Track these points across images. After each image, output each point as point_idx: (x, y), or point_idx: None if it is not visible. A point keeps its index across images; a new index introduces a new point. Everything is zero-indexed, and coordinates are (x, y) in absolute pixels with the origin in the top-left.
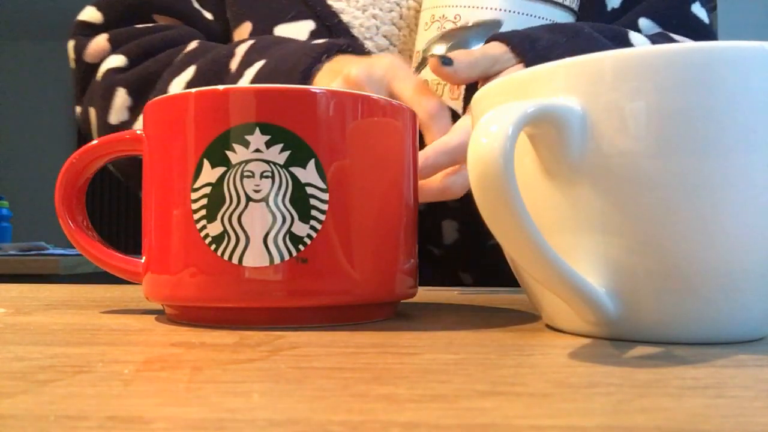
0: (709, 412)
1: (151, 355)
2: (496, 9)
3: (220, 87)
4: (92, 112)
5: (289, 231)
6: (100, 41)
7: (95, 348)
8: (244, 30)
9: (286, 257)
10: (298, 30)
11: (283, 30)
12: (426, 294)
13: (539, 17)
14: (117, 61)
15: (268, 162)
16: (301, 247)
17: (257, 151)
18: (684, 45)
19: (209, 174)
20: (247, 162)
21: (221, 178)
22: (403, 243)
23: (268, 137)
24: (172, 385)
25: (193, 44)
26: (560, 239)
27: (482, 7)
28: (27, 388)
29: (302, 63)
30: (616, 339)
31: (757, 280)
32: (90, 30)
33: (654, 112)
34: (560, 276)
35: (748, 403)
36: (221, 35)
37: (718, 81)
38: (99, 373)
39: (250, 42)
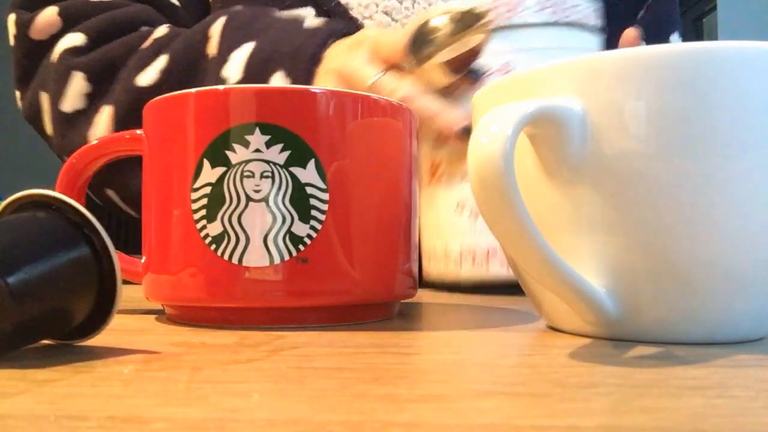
0: (709, 412)
1: (151, 355)
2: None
3: (220, 87)
4: (44, 97)
5: (289, 231)
6: (50, 15)
7: (95, 348)
8: None
9: (286, 257)
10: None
11: None
12: (426, 294)
13: (572, 48)
14: (75, 39)
15: (268, 162)
16: (301, 247)
17: (257, 151)
18: (684, 45)
19: (209, 174)
20: (247, 162)
21: (221, 178)
22: (403, 243)
23: (268, 137)
24: (172, 385)
25: (162, 29)
26: (560, 239)
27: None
28: (27, 388)
29: (309, 46)
30: (616, 339)
31: (757, 281)
32: (33, 3)
33: (654, 112)
34: (560, 276)
35: (748, 403)
36: (187, 24)
37: (719, 81)
38: (99, 373)
39: (222, 19)
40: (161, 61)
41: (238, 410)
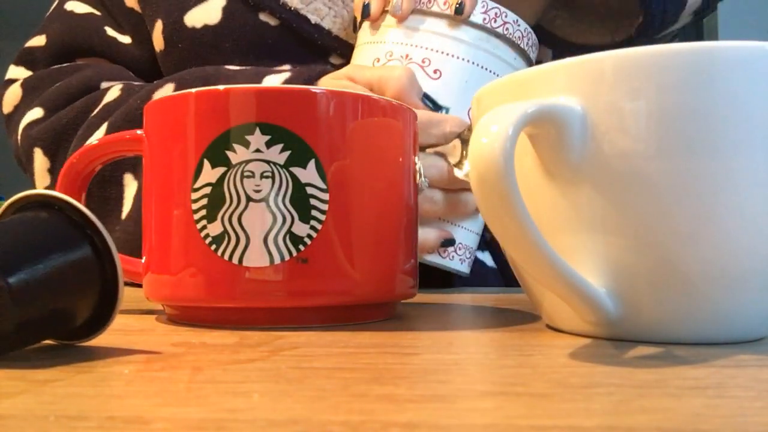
0: (709, 413)
1: (151, 355)
2: (463, 59)
3: (221, 87)
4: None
5: (289, 231)
6: (14, 88)
7: (95, 348)
8: (157, 31)
9: (286, 257)
10: (209, 12)
11: (194, 17)
12: (426, 294)
13: (496, 74)
14: (34, 114)
15: (268, 162)
16: (301, 247)
17: (257, 151)
18: (684, 45)
19: (209, 174)
20: (247, 162)
21: (221, 178)
22: (403, 243)
23: (268, 137)
24: (172, 385)
25: (113, 91)
26: (560, 239)
27: (452, 56)
28: (27, 388)
29: None
30: (617, 339)
31: (757, 280)
32: (6, 83)
33: (654, 112)
34: (560, 276)
35: (748, 403)
36: (143, 57)
37: (719, 81)
38: (99, 373)
39: (169, 86)
40: (101, 132)
41: (238, 410)
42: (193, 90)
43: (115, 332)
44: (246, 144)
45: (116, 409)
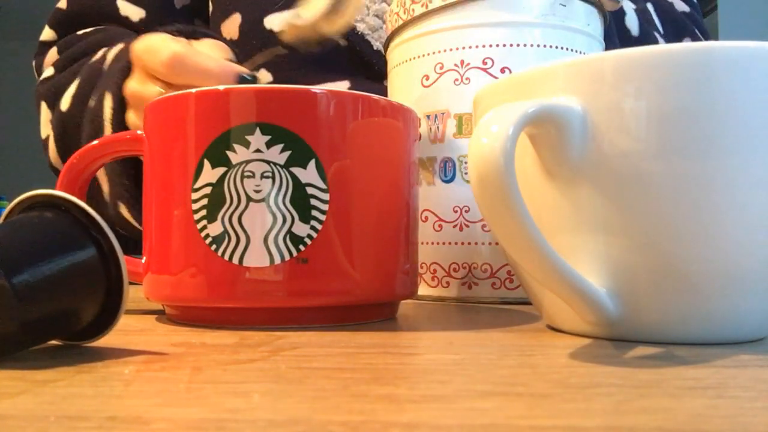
0: (709, 413)
1: (152, 356)
2: (531, 45)
3: (221, 87)
4: None
5: (289, 231)
6: (52, 53)
7: (96, 348)
8: (232, 22)
9: (287, 257)
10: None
11: (272, 21)
12: (426, 294)
13: (573, 50)
14: (47, 72)
15: (268, 162)
16: (301, 247)
17: (258, 151)
18: (684, 45)
19: (210, 174)
20: (247, 162)
21: (222, 179)
22: (404, 243)
23: (268, 137)
24: (172, 385)
25: (112, 51)
26: (560, 239)
27: (516, 45)
28: (27, 388)
29: (115, 71)
30: (617, 339)
31: (758, 281)
32: (47, 48)
33: (654, 112)
34: (561, 276)
35: (748, 403)
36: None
37: (719, 81)
38: (99, 373)
39: (120, 47)
40: (74, 85)
41: (238, 410)
42: (193, 90)
43: (115, 332)
44: (246, 144)
45: (116, 409)
